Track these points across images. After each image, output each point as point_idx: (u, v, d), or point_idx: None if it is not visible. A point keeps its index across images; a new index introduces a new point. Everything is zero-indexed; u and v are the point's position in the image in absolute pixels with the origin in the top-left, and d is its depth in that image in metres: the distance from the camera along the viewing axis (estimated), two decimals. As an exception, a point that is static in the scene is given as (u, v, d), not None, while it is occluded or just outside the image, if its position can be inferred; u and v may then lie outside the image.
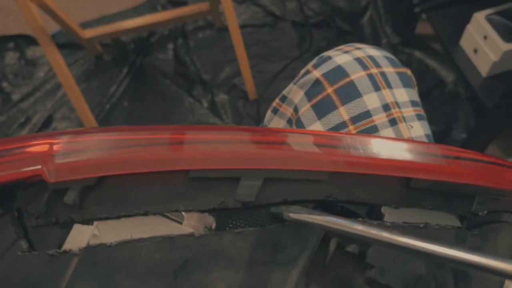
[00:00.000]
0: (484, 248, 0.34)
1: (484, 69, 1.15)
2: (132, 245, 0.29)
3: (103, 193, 0.29)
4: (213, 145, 0.30)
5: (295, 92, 0.51)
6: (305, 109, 0.49)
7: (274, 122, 0.55)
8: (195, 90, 1.39)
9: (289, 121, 0.53)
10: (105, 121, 1.34)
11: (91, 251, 0.29)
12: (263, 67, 1.42)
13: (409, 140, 0.40)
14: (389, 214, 0.33)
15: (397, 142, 0.33)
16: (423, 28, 1.44)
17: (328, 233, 0.31)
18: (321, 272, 0.31)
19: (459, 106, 1.27)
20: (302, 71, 0.52)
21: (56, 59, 1.16)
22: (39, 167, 0.28)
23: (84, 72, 1.45)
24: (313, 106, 0.49)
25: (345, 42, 1.42)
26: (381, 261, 0.31)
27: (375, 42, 1.39)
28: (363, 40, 1.42)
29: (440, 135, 1.25)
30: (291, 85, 0.53)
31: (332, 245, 0.31)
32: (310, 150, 0.31)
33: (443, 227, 0.33)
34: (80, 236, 0.30)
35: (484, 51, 1.12)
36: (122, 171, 0.29)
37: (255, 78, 1.36)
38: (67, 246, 0.30)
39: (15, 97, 1.42)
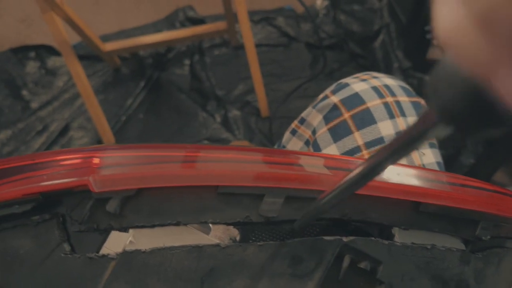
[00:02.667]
0: (486, 271, 0.37)
1: (492, 97, 1.17)
2: (164, 252, 0.32)
3: (140, 204, 0.32)
4: (241, 164, 0.33)
5: (313, 116, 0.55)
6: (322, 132, 0.52)
7: (292, 143, 0.58)
8: (209, 105, 1.43)
9: (307, 143, 0.56)
10: (120, 132, 1.38)
11: (127, 256, 0.32)
12: (276, 86, 1.45)
13: (420, 167, 0.43)
14: (399, 235, 0.36)
15: (409, 169, 0.36)
16: (434, 53, 1.47)
17: (342, 250, 0.33)
18: (335, 286, 0.33)
19: (467, 132, 1.29)
20: (321, 96, 0.56)
21: (77, 70, 1.21)
22: (86, 178, 0.31)
23: (102, 83, 1.50)
24: (329, 130, 0.52)
25: (357, 64, 1.46)
26: (390, 278, 0.33)
27: (387, 65, 1.42)
28: (374, 63, 1.45)
29: (448, 160, 1.28)
30: (309, 108, 0.56)
31: (346, 261, 0.34)
32: (328, 173, 0.33)
33: (449, 249, 0.36)
34: (117, 242, 0.33)
35: None
36: (158, 184, 0.32)
37: (268, 96, 1.40)
38: (104, 250, 0.32)
39: (34, 105, 1.47)
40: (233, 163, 0.33)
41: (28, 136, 1.39)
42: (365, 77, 0.55)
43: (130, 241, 0.33)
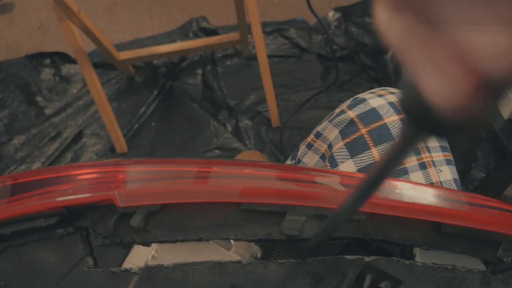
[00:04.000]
0: None
1: (506, 112, 1.17)
2: (186, 268, 0.32)
3: (164, 219, 0.33)
4: (263, 181, 0.34)
5: (330, 130, 0.55)
6: (339, 147, 0.53)
7: (308, 156, 0.59)
8: (220, 114, 1.44)
9: (323, 157, 0.56)
10: (133, 139, 1.39)
11: (149, 271, 0.32)
12: (287, 97, 1.46)
13: (440, 187, 0.43)
14: (420, 255, 0.36)
15: (429, 188, 0.36)
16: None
17: (363, 269, 0.33)
18: None
19: (479, 146, 1.29)
20: (337, 111, 0.56)
21: (92, 77, 1.22)
22: (111, 192, 0.32)
23: (116, 91, 1.51)
24: (346, 145, 0.52)
25: (369, 76, 1.46)
26: None
27: (398, 78, 1.43)
28: (385, 75, 1.45)
29: (459, 173, 1.27)
30: (326, 123, 0.56)
31: (367, 281, 0.34)
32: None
33: (469, 270, 0.36)
34: (139, 257, 0.33)
35: (507, 93, 1.14)
36: (182, 199, 0.32)
37: (279, 106, 1.41)
38: (127, 264, 0.33)
39: (48, 111, 1.48)
40: (255, 180, 0.34)
41: (41, 142, 1.40)
42: (381, 92, 0.55)
43: (153, 256, 0.33)
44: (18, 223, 0.31)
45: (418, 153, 0.50)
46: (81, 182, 0.32)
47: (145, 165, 0.34)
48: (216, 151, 1.34)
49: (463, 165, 1.28)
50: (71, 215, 0.33)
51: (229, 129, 1.40)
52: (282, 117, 1.40)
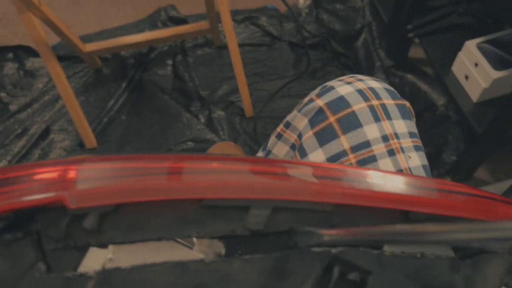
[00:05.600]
0: (475, 277, 0.36)
1: (474, 95, 1.19)
2: (145, 269, 0.31)
3: (119, 219, 0.31)
4: (226, 175, 0.32)
5: (299, 119, 0.54)
6: (308, 136, 0.51)
7: (278, 147, 0.57)
8: (192, 106, 1.41)
9: (292, 147, 0.55)
10: (102, 134, 1.35)
11: (106, 275, 0.30)
12: (259, 86, 1.44)
13: (408, 174, 0.42)
14: (388, 245, 0.35)
15: (397, 176, 0.35)
16: (416, 52, 1.48)
17: (331, 261, 0.32)
18: None
19: (449, 129, 1.30)
20: (306, 99, 0.55)
21: (57, 71, 1.18)
22: (61, 193, 0.30)
23: (83, 85, 1.46)
24: (315, 134, 0.51)
25: (340, 63, 1.46)
26: None
27: (369, 64, 1.43)
28: (357, 62, 1.45)
29: (430, 157, 1.28)
30: (295, 112, 0.55)
31: (335, 273, 0.33)
32: (315, 182, 0.32)
33: (438, 257, 0.35)
34: (96, 260, 0.31)
35: (475, 78, 1.16)
36: (139, 198, 0.30)
37: (252, 96, 1.39)
38: (82, 268, 0.31)
39: (13, 107, 1.43)
40: (217, 174, 0.32)
41: (7, 139, 1.35)
42: (350, 80, 0.54)
43: (110, 258, 0.31)
44: None
45: (387, 139, 0.49)
46: (29, 183, 0.30)
47: (100, 163, 0.31)
48: (189, 143, 1.32)
49: (434, 149, 1.29)
50: (20, 219, 0.30)
51: (202, 120, 1.37)
52: (255, 107, 1.38)
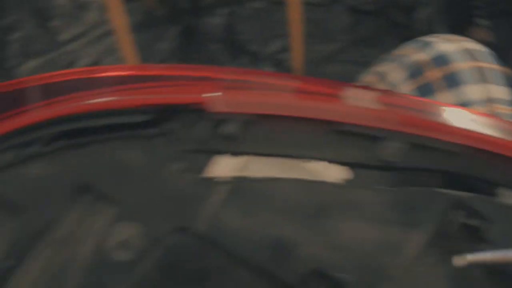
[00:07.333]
0: None
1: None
2: (275, 183, 0.31)
3: (258, 131, 0.31)
4: (364, 103, 0.32)
5: (395, 72, 0.52)
6: (406, 90, 0.50)
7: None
8: (240, 59, 1.39)
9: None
10: (150, 75, 1.35)
11: (240, 182, 0.30)
12: (311, 47, 1.41)
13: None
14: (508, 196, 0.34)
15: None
16: (477, 33, 1.43)
17: (456, 205, 0.32)
18: (445, 240, 0.32)
19: None
20: (401, 52, 0.53)
21: (115, 4, 1.16)
22: (207, 95, 0.30)
23: (135, 24, 1.45)
24: (415, 88, 0.50)
25: (398, 34, 1.41)
26: (501, 238, 0.32)
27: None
28: (415, 35, 1.41)
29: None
30: (390, 64, 0.54)
31: (458, 217, 0.33)
32: (459, 124, 0.32)
33: None
34: (227, 166, 0.31)
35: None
36: (281, 112, 0.30)
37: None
38: (215, 173, 0.31)
39: (63, 38, 1.43)
40: (356, 100, 0.32)
41: (55, 68, 1.35)
42: (451, 38, 0.53)
43: (242, 167, 0.31)
44: (108, 116, 0.29)
45: (487, 102, 0.48)
46: (179, 82, 0.30)
47: (250, 75, 0.31)
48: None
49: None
50: (164, 116, 0.30)
51: (249, 75, 1.36)
52: (304, 69, 1.36)
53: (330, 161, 0.32)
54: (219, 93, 0.30)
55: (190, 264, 0.29)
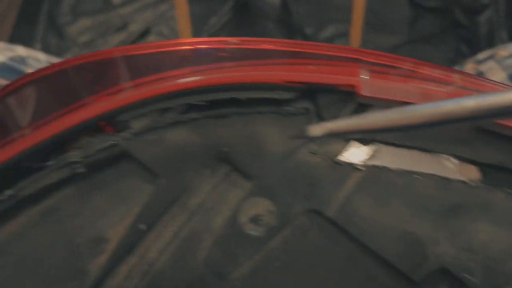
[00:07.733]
0: None
1: None
2: (411, 176, 0.30)
3: None
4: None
5: (494, 71, 0.50)
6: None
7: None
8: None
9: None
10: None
11: (374, 170, 0.29)
12: (367, 36, 1.38)
13: None
14: None
15: None
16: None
17: None
18: None
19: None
20: (506, 53, 0.51)
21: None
22: (354, 78, 0.28)
23: (190, -5, 1.43)
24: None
25: (458, 35, 1.37)
26: None
27: (488, 43, 1.34)
28: (476, 38, 1.36)
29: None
30: (491, 62, 0.51)
31: None
32: None
33: None
34: (356, 154, 0.30)
35: None
36: (425, 101, 0.29)
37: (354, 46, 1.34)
38: (348, 159, 0.30)
39: (116, 1, 1.42)
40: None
41: (107, 30, 1.35)
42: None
43: (372, 156, 0.31)
44: (253, 90, 0.28)
45: None
46: (323, 61, 0.29)
47: (386, 58, 0.30)
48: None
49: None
50: (306, 95, 0.29)
51: (301, 58, 1.34)
52: (357, 58, 1.33)
53: (468, 159, 0.30)
54: (367, 77, 0.28)
55: (318, 248, 0.29)
